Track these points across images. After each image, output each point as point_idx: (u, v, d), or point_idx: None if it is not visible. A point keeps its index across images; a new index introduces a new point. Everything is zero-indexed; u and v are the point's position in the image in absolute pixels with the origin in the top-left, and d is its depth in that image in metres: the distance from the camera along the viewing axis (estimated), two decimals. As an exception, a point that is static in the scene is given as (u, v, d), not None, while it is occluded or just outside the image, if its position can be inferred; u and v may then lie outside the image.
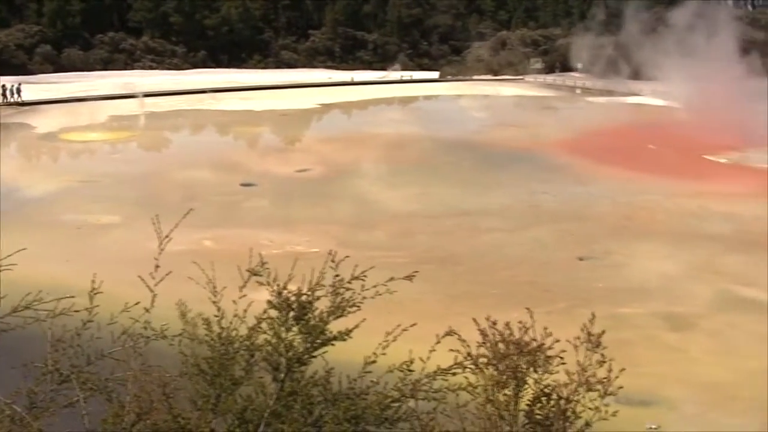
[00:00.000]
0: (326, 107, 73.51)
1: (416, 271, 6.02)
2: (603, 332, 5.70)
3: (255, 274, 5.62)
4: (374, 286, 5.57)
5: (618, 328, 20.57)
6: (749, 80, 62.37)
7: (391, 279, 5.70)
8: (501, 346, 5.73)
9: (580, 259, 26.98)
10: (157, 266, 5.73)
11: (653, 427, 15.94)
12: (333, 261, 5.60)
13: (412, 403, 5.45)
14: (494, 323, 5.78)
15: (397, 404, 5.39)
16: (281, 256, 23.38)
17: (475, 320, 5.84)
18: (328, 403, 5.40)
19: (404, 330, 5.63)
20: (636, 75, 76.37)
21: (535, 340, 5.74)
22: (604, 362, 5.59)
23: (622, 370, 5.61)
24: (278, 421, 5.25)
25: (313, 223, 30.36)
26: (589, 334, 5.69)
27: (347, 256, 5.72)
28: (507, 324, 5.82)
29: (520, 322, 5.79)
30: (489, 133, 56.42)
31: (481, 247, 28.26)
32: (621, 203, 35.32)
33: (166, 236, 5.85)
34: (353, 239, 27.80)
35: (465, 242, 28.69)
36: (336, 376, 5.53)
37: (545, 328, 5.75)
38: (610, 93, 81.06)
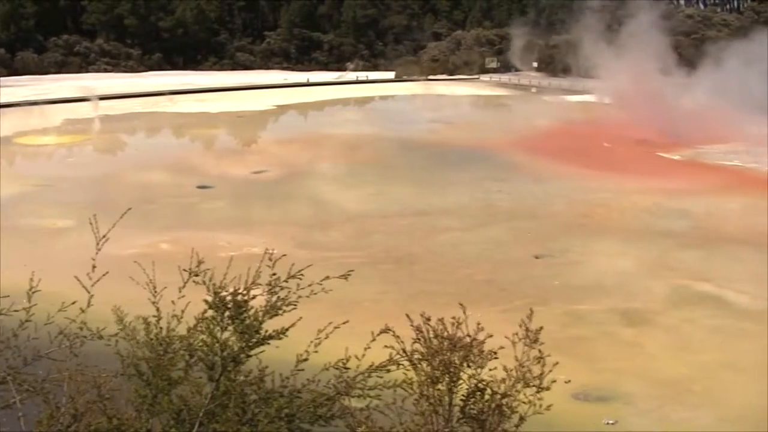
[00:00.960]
0: (282, 108, 73.44)
1: (351, 270, 6.00)
2: (541, 328, 5.70)
3: (194, 275, 5.58)
4: (309, 285, 5.55)
5: (575, 325, 20.79)
6: (693, 77, 63.57)
7: (327, 278, 5.69)
8: (435, 341, 5.72)
9: (537, 257, 27.06)
10: (94, 267, 5.67)
11: (610, 422, 16.01)
12: (270, 260, 5.57)
13: (347, 400, 5.43)
14: (428, 319, 5.77)
15: (330, 402, 5.37)
16: (239, 257, 23.22)
17: (408, 316, 5.81)
18: (261, 401, 5.37)
19: (336, 327, 5.63)
20: (590, 73, 76.76)
21: (469, 335, 5.72)
22: (542, 358, 5.60)
23: (556, 363, 5.62)
24: (213, 421, 5.23)
25: (270, 224, 30.26)
26: (527, 330, 5.69)
27: (284, 255, 5.70)
28: (441, 320, 5.79)
29: (453, 317, 5.76)
30: (444, 132, 56.67)
31: (437, 246, 28.27)
32: (577, 201, 35.50)
33: (104, 236, 5.77)
34: (311, 240, 27.78)
35: (421, 241, 28.71)
36: (279, 375, 5.51)
37: (478, 324, 5.74)
38: (565, 91, 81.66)
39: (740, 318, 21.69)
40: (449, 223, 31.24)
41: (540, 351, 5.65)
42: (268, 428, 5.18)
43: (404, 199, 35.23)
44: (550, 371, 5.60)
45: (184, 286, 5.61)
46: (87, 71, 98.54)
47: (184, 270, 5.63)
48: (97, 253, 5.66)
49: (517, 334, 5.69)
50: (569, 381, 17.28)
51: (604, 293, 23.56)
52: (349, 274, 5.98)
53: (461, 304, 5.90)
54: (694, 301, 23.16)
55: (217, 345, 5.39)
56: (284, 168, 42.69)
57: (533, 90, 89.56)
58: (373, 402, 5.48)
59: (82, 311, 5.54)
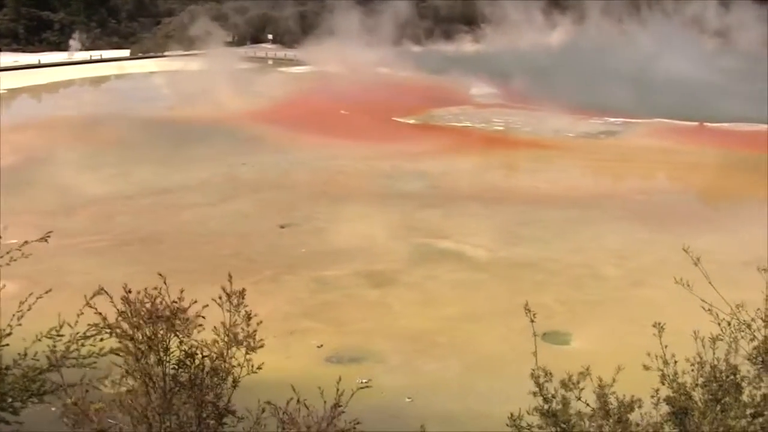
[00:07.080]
0: (14, 92, 70.67)
1: (51, 232, 6.00)
2: (244, 290, 5.85)
3: None
4: (8, 252, 5.53)
5: (323, 291, 21.33)
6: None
7: (25, 243, 5.65)
8: (135, 317, 5.69)
9: (282, 226, 27.44)
10: None
11: (364, 381, 16.48)
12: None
13: (61, 375, 5.34)
14: (129, 291, 5.76)
15: (43, 376, 5.26)
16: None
17: (105, 291, 5.76)
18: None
19: (39, 298, 5.56)
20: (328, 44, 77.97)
21: (176, 302, 5.75)
22: (250, 318, 5.74)
23: (260, 323, 5.78)
24: None
25: (9, 213, 29.15)
26: (228, 293, 5.83)
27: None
28: (144, 291, 5.79)
29: (155, 288, 5.80)
30: (183, 108, 56.25)
31: (183, 223, 28.23)
32: (318, 169, 36.14)
33: None
34: (53, 227, 26.75)
35: (166, 220, 28.57)
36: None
37: (181, 291, 5.82)
38: (298, 63, 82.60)
39: (477, 270, 22.88)
40: (194, 199, 31.23)
41: (247, 312, 5.78)
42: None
43: (147, 178, 34.88)
44: (255, 331, 5.74)
45: None
46: None
47: None
48: None
49: (221, 297, 5.80)
50: (321, 345, 17.81)
51: (349, 257, 24.19)
52: (48, 236, 5.96)
53: (160, 274, 5.94)
54: (435, 258, 24.14)
55: None
56: (20, 154, 41.20)
57: (269, 62, 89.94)
58: (89, 375, 5.36)
59: None
